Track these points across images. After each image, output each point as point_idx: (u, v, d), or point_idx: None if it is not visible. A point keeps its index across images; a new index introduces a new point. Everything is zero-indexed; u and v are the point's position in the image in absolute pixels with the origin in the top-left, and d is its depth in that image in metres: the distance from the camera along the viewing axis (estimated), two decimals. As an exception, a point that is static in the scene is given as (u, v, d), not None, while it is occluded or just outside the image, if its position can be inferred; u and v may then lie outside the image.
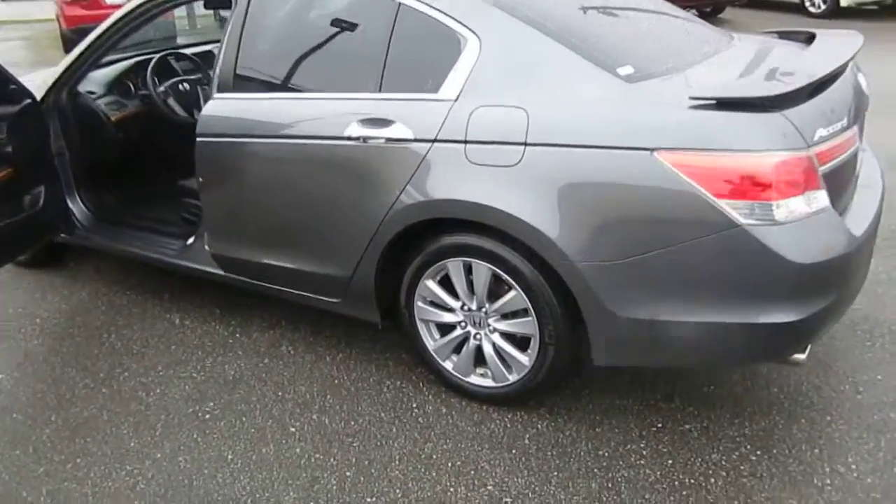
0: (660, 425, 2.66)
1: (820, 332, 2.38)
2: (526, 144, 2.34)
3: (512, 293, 2.55)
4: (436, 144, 2.49)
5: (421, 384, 2.95)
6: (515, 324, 2.61)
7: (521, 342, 2.65)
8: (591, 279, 2.34)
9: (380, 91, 2.64)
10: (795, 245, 2.13)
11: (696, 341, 2.36)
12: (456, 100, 2.48)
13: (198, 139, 3.03)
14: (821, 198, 2.18)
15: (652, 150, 2.17)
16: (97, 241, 3.71)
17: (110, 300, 3.77)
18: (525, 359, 2.63)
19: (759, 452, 2.50)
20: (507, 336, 2.67)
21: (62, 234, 3.76)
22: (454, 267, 2.63)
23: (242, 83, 3.00)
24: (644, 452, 2.53)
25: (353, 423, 2.74)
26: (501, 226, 2.42)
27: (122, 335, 3.43)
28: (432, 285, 2.71)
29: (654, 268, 2.27)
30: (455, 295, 2.70)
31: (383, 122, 2.58)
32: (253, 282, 3.20)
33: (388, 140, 2.56)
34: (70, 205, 3.72)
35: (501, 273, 2.52)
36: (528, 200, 2.35)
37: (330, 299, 2.98)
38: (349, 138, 2.63)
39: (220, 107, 3.01)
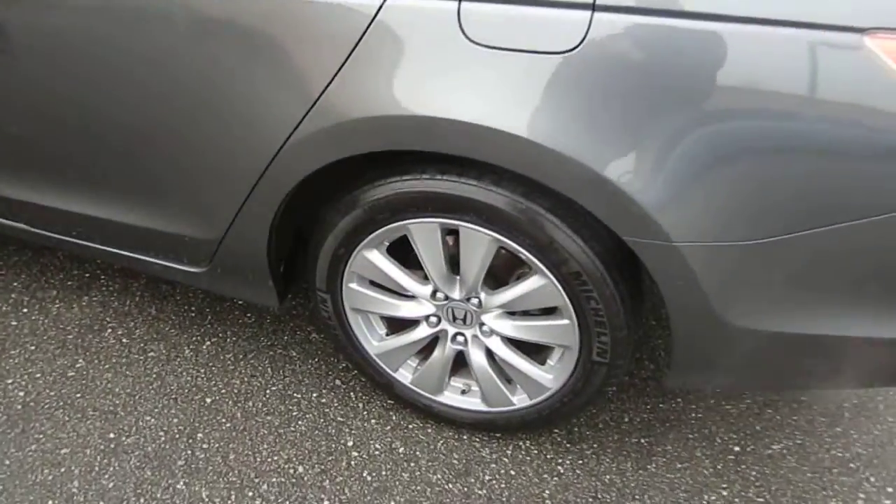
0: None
1: None
2: (595, 7, 1.08)
3: (534, 280, 1.39)
4: (390, 1, 1.18)
5: (351, 400, 1.80)
6: (534, 328, 1.48)
7: (529, 348, 1.54)
8: (699, 268, 1.23)
9: None
10: None
11: (860, 363, 1.36)
12: None
13: None
14: None
15: (863, 30, 1.01)
16: None
17: None
18: (547, 378, 1.53)
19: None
20: (514, 342, 1.54)
21: None
22: (423, 231, 1.41)
23: None
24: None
25: (229, 479, 1.58)
26: (532, 172, 1.22)
27: None
28: (377, 258, 1.49)
29: (821, 253, 1.19)
30: (421, 274, 1.51)
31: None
32: (43, 233, 1.82)
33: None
34: None
35: (517, 248, 1.34)
36: (594, 126, 1.15)
37: (187, 267, 1.69)
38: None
39: None
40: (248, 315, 1.98)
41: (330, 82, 1.25)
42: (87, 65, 1.43)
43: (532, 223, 1.29)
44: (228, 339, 1.92)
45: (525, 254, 1.34)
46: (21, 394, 1.77)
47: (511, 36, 1.14)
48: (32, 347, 1.89)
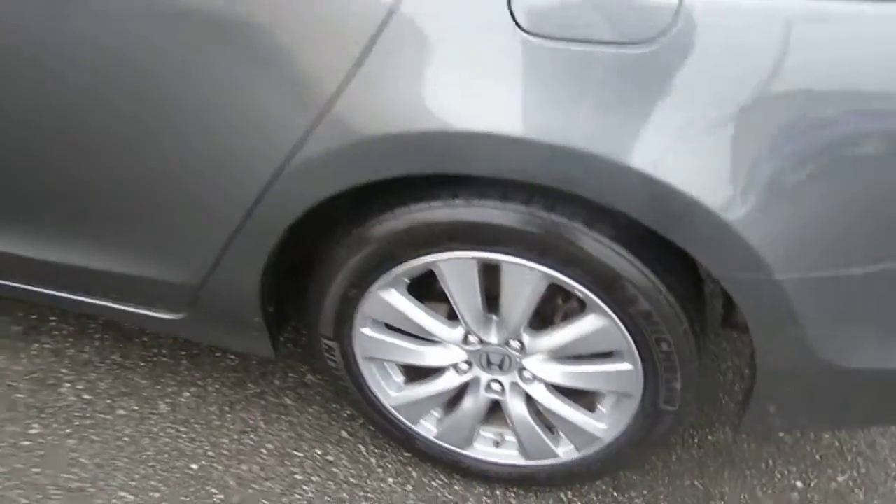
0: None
1: None
2: (686, -11, 0.86)
3: (592, 321, 1.16)
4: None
5: (363, 456, 1.55)
6: (588, 374, 1.25)
7: (574, 391, 1.31)
8: (800, 303, 1.02)
9: None
10: None
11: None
12: None
13: None
14: None
15: None
16: None
17: None
18: (600, 428, 1.31)
19: None
20: (561, 389, 1.31)
21: None
22: (455, 268, 1.16)
23: None
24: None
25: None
26: (604, 197, 0.99)
27: None
28: (396, 299, 1.23)
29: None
30: (450, 314, 1.26)
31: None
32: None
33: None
34: None
35: (574, 285, 1.11)
36: (688, 143, 0.92)
37: (163, 315, 1.41)
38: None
39: None
40: (230, 357, 1.71)
41: (339, 90, 0.99)
42: (27, 70, 1.14)
43: (594, 256, 1.06)
44: (210, 388, 1.65)
45: (583, 291, 1.11)
46: (-37, 472, 1.48)
47: (580, 23, 0.90)
48: (-26, 412, 1.60)
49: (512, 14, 0.90)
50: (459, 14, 0.93)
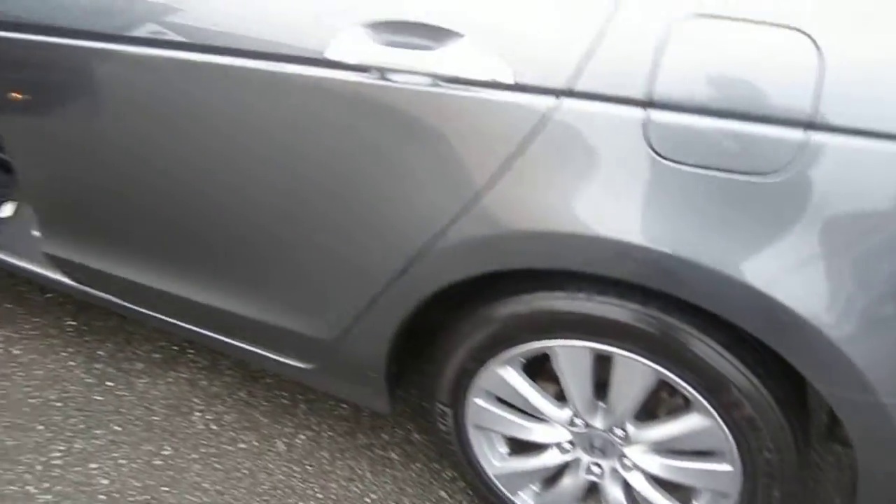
0: None
1: None
2: (812, 127, 0.93)
3: (696, 420, 1.22)
4: (569, 103, 1.03)
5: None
6: (687, 470, 1.30)
7: (671, 485, 1.36)
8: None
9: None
10: None
11: None
12: (619, -3, 1.01)
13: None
14: None
15: None
16: None
17: None
18: (694, 524, 1.35)
19: None
20: (659, 480, 1.36)
21: None
22: (570, 355, 1.25)
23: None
24: None
25: None
26: (720, 308, 1.06)
27: None
28: (512, 376, 1.33)
29: None
30: (559, 395, 1.35)
31: (430, 35, 1.08)
32: (135, 308, 1.71)
33: (444, 80, 1.08)
34: None
35: (682, 385, 1.17)
36: (796, 260, 0.99)
37: (292, 362, 1.55)
38: (340, 65, 1.13)
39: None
40: (344, 406, 1.84)
41: (487, 186, 1.11)
42: (209, 134, 1.33)
43: (704, 359, 1.13)
44: (323, 434, 1.77)
45: (690, 391, 1.17)
46: (105, 482, 1.65)
47: (709, 153, 0.99)
48: (118, 428, 1.78)
49: (648, 141, 1.00)
50: (601, 135, 1.04)
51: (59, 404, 1.84)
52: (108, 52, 1.33)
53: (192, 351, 1.99)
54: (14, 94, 1.54)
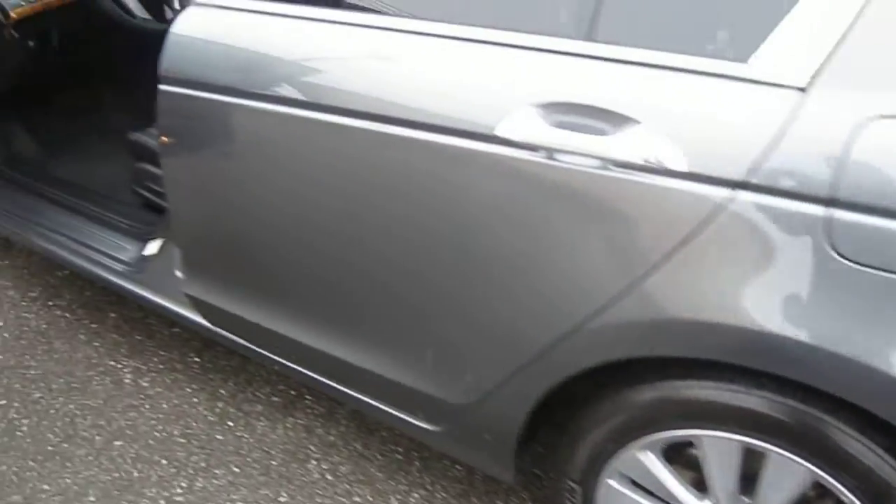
0: None
1: None
2: None
3: (851, 525, 1.16)
4: (745, 195, 1.03)
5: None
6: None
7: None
8: None
9: (592, 36, 1.14)
10: None
11: None
12: (805, 89, 0.99)
13: (162, 87, 1.52)
14: None
15: None
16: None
17: (20, 326, 2.29)
18: None
19: None
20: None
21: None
22: (717, 446, 1.21)
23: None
24: None
25: None
26: (881, 408, 1.02)
27: (25, 406, 2.01)
28: (651, 461, 1.30)
29: None
30: (699, 484, 1.31)
31: (605, 119, 1.09)
32: (265, 354, 1.77)
33: (616, 164, 1.09)
34: None
35: (836, 486, 1.12)
36: None
37: (419, 422, 1.56)
38: (510, 142, 1.15)
39: (210, 23, 1.50)
40: (458, 467, 1.84)
41: (651, 270, 1.11)
42: (362, 196, 1.37)
43: (865, 464, 1.08)
44: (437, 495, 1.77)
45: (849, 497, 1.12)
46: (224, 524, 1.69)
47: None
48: (237, 470, 1.82)
49: (830, 240, 0.98)
50: (776, 230, 1.02)
51: (182, 440, 1.90)
52: (276, 113, 1.40)
53: (309, 397, 2.03)
54: (163, 138, 1.64)
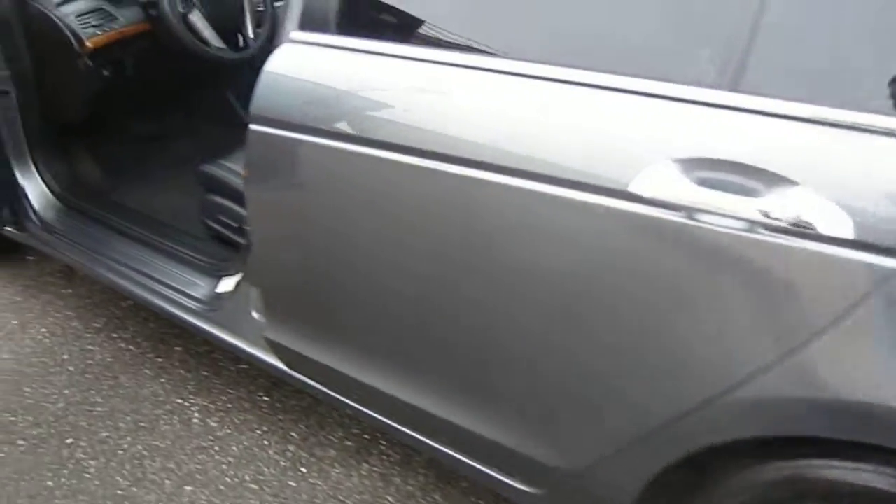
0: None
1: None
2: None
3: None
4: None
5: None
6: None
7: None
8: None
9: (736, 86, 1.04)
10: None
11: None
12: None
13: (252, 126, 1.45)
14: None
15: None
16: (59, 246, 2.17)
17: (85, 359, 2.23)
18: None
19: None
20: None
21: (4, 227, 2.25)
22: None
23: (361, 16, 1.41)
24: None
25: None
26: None
27: (93, 446, 1.95)
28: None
29: None
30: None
31: (756, 177, 1.00)
32: (343, 399, 1.69)
33: (769, 228, 0.99)
34: (19, 178, 2.18)
35: None
36: None
37: (515, 483, 1.47)
38: (641, 199, 1.06)
39: (304, 61, 1.42)
40: (544, 524, 1.74)
41: (802, 345, 1.01)
42: (470, 248, 1.29)
43: None
44: (525, 554, 1.67)
45: None
46: (301, 580, 1.61)
47: None
48: (312, 520, 1.74)
49: None
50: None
51: (254, 486, 1.83)
52: (374, 157, 1.32)
53: (384, 442, 1.94)
54: (243, 172, 1.57)
